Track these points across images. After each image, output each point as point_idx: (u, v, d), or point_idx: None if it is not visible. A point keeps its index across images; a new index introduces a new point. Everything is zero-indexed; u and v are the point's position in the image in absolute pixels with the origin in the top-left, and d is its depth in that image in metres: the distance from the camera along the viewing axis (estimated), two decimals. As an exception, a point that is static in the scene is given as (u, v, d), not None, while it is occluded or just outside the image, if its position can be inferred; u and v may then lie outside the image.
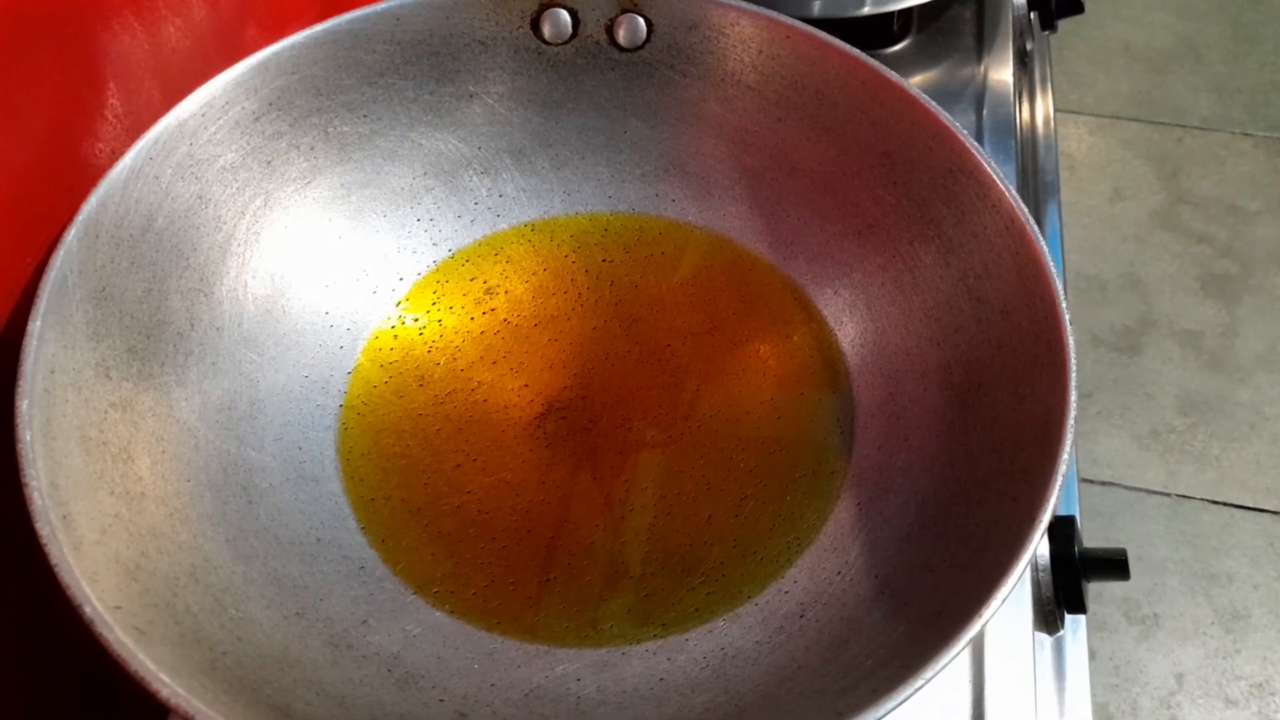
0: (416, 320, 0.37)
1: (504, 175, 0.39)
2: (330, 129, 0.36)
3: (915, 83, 0.34)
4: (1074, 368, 0.28)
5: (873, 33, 0.54)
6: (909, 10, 0.54)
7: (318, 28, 0.35)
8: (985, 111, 0.52)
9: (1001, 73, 0.53)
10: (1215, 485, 0.97)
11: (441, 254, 0.39)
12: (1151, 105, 1.30)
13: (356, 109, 0.36)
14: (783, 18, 0.36)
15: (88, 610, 0.23)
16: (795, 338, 0.37)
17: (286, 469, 0.32)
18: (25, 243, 0.29)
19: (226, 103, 0.33)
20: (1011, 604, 0.34)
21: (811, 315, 0.37)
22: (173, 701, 0.22)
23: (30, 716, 0.30)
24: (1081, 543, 0.38)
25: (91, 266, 0.29)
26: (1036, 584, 0.37)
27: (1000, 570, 0.25)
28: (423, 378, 0.36)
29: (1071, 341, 0.28)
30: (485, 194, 0.39)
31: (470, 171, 0.39)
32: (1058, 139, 0.60)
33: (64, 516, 0.25)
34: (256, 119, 0.34)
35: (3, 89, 0.27)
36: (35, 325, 0.27)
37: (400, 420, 0.35)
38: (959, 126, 0.33)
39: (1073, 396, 0.27)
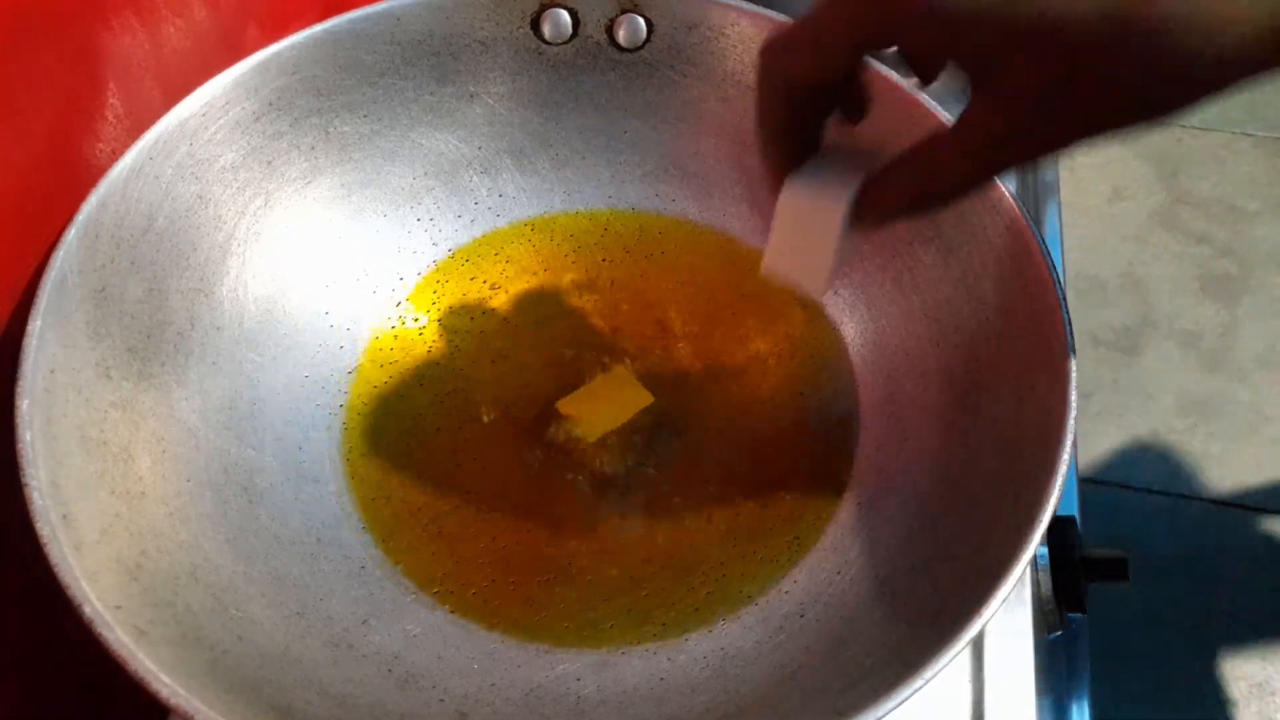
0: (416, 320, 0.37)
1: (504, 175, 0.39)
2: (331, 129, 0.36)
3: (915, 83, 0.34)
4: (1074, 368, 0.28)
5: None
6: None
7: (318, 28, 0.35)
8: (985, 112, 0.51)
9: (1001, 73, 0.53)
10: (1216, 485, 0.97)
11: (441, 254, 0.39)
12: (1151, 105, 1.30)
13: (357, 109, 0.36)
14: (783, 18, 0.36)
15: (88, 610, 0.23)
16: (795, 337, 0.37)
17: (287, 469, 0.32)
18: (25, 242, 0.29)
19: (227, 103, 0.33)
20: (1011, 604, 0.34)
21: (812, 315, 0.37)
22: (173, 701, 0.22)
23: (31, 716, 0.30)
24: (1082, 544, 0.38)
25: (92, 266, 0.29)
26: (1036, 584, 0.37)
27: (1000, 570, 0.25)
28: (423, 378, 0.36)
29: (1072, 341, 0.28)
30: (485, 194, 0.39)
31: (470, 171, 0.39)
32: (1058, 139, 0.59)
33: (64, 516, 0.25)
34: (257, 119, 0.34)
35: (3, 89, 0.27)
36: (35, 325, 0.27)
37: (400, 420, 0.35)
38: (959, 126, 0.33)
39: (1073, 396, 0.27)
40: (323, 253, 0.36)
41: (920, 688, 0.23)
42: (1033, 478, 0.26)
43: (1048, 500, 0.25)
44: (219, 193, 0.33)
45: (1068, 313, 0.29)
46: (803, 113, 0.23)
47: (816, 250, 0.25)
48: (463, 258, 0.39)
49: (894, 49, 0.22)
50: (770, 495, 0.33)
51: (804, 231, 0.25)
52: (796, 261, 0.26)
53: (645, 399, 0.34)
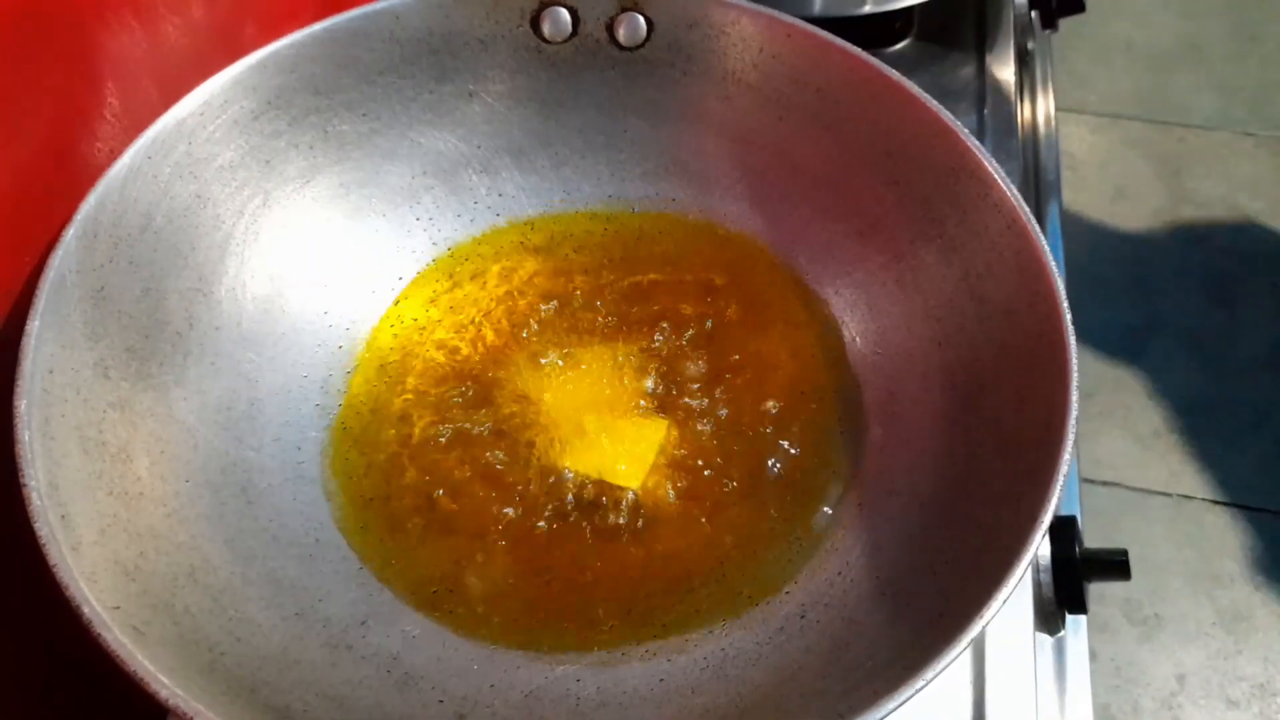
0: (416, 319, 0.37)
1: (503, 174, 0.39)
2: (329, 128, 0.36)
3: (916, 82, 0.34)
4: (1075, 368, 0.28)
5: (874, 31, 0.54)
6: (910, 9, 0.54)
7: (316, 26, 0.34)
8: (987, 110, 0.51)
9: (1003, 71, 0.53)
10: (1217, 485, 0.96)
11: (441, 253, 0.39)
12: (1153, 104, 1.30)
13: (355, 108, 0.36)
14: (784, 16, 0.35)
15: (86, 610, 0.23)
16: (796, 337, 0.37)
17: (285, 469, 0.32)
18: (24, 242, 0.29)
19: (225, 101, 0.33)
20: (1012, 605, 0.34)
21: (813, 315, 0.37)
22: (171, 702, 0.22)
23: (30, 716, 0.30)
24: (1083, 543, 0.38)
25: (90, 266, 0.29)
26: (1037, 584, 0.37)
27: (1002, 571, 0.25)
28: (422, 377, 0.36)
29: (1073, 341, 0.28)
30: (485, 193, 0.39)
31: (469, 170, 0.39)
32: (1059, 138, 0.59)
33: (62, 517, 0.25)
34: (255, 118, 0.34)
35: (2, 89, 0.27)
36: (34, 325, 0.27)
37: (399, 420, 0.35)
38: (960, 125, 0.33)
39: (1074, 396, 0.27)
40: (321, 252, 0.36)
41: (921, 689, 0.23)
42: (1034, 478, 0.26)
43: (1049, 500, 0.25)
44: (217, 192, 0.33)
45: (1069, 312, 0.29)
46: None
47: None
48: (462, 256, 0.39)
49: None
50: (771, 495, 0.33)
51: None
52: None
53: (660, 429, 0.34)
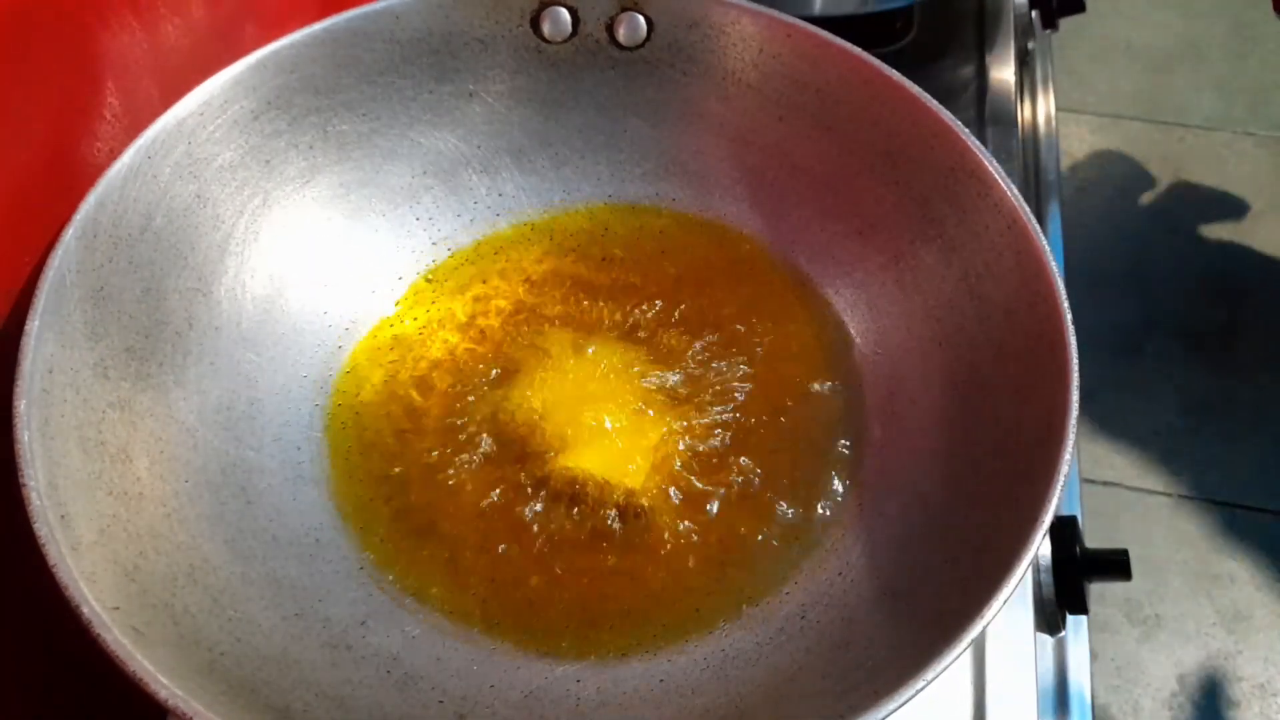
0: (415, 320, 0.37)
1: (503, 174, 0.39)
2: (329, 128, 0.36)
3: (916, 82, 0.34)
4: (1076, 368, 0.28)
5: (874, 31, 0.54)
6: (910, 9, 0.54)
7: (316, 26, 0.34)
8: (987, 110, 0.51)
9: (1003, 71, 0.53)
10: (1217, 485, 0.96)
11: (441, 253, 0.39)
12: (1153, 104, 1.30)
13: (355, 108, 0.36)
14: (784, 16, 0.35)
15: (86, 610, 0.23)
16: (796, 337, 0.37)
17: (285, 469, 0.32)
18: (24, 242, 0.29)
19: (225, 101, 0.33)
20: (1013, 605, 0.34)
21: (813, 315, 0.37)
22: (171, 702, 0.22)
23: (30, 716, 0.30)
24: (1083, 543, 0.38)
25: (90, 266, 0.29)
26: (1038, 584, 0.37)
27: (1002, 571, 0.24)
28: (421, 377, 0.36)
29: (1073, 341, 0.28)
30: (485, 193, 0.39)
31: (469, 170, 0.39)
32: (1059, 138, 0.59)
33: (62, 517, 0.25)
34: (255, 118, 0.34)
35: (2, 89, 0.27)
36: (33, 325, 0.27)
37: (399, 420, 0.35)
38: (960, 125, 0.33)
39: (1075, 397, 0.27)
40: (321, 252, 0.36)
41: (922, 689, 0.23)
42: (1034, 478, 0.26)
43: (1049, 500, 0.25)
44: (217, 192, 0.33)
45: (1069, 312, 0.29)
46: None
47: None
48: (462, 257, 0.39)
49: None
50: (770, 496, 0.33)
51: None
52: None
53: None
